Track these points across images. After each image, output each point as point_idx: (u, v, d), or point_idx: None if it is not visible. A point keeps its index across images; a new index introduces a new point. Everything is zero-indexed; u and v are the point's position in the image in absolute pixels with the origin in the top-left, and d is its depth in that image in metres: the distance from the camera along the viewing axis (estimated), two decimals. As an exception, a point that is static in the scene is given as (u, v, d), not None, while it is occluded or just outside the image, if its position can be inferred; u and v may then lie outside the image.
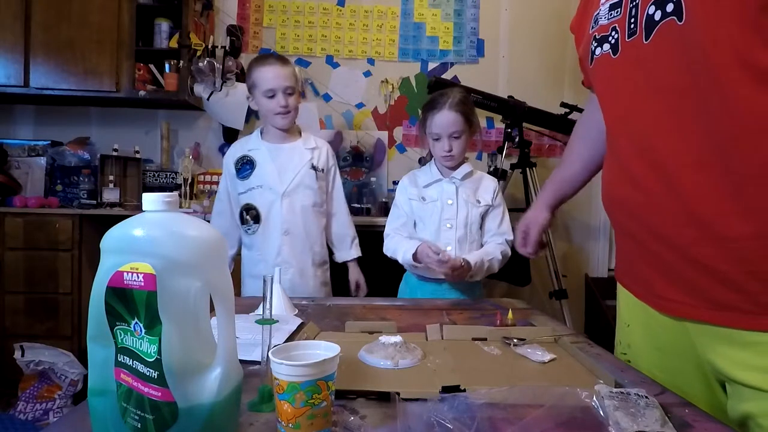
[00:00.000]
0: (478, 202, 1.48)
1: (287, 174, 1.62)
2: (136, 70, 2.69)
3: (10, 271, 2.42)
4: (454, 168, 1.51)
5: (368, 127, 3.08)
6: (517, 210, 2.96)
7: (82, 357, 2.24)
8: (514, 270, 2.72)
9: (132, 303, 0.50)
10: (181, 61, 2.72)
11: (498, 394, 0.68)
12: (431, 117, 1.45)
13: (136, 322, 0.50)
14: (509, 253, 1.47)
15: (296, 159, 1.64)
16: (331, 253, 1.78)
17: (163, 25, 2.74)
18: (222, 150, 3.09)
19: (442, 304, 1.27)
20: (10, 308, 2.43)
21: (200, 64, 2.72)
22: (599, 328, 2.80)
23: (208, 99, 2.82)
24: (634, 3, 0.72)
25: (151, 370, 0.50)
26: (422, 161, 2.69)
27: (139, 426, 0.50)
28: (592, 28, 0.82)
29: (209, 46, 2.80)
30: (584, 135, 1.06)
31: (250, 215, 1.62)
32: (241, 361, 0.58)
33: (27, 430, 1.92)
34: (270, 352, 0.58)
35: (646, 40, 0.69)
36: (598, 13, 0.80)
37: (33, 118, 3.01)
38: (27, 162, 2.79)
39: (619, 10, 0.76)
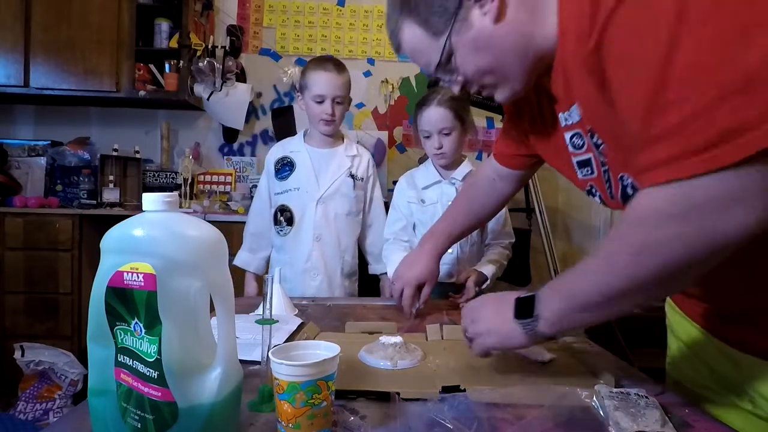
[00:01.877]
0: None
1: (325, 180, 1.60)
2: (136, 70, 2.69)
3: (10, 271, 2.42)
4: (452, 167, 1.49)
5: (368, 127, 3.08)
6: (517, 210, 2.97)
7: (82, 357, 2.24)
8: (514, 270, 2.72)
9: (132, 303, 0.50)
10: (181, 61, 2.72)
11: (498, 394, 0.67)
12: (420, 114, 1.43)
13: (136, 322, 0.50)
14: (511, 256, 1.46)
15: (335, 165, 1.62)
16: (362, 265, 1.74)
17: (163, 25, 2.74)
18: (222, 150, 3.09)
19: (442, 305, 1.27)
20: (10, 308, 2.43)
21: (200, 64, 2.72)
22: (599, 328, 2.80)
23: (208, 99, 2.82)
24: (605, 168, 0.70)
25: (151, 370, 0.50)
26: (422, 161, 2.69)
27: (139, 426, 0.50)
28: (578, 175, 0.78)
29: (209, 46, 2.80)
30: (476, 193, 1.12)
31: (284, 217, 1.61)
32: (241, 361, 0.58)
33: (27, 430, 1.92)
34: (270, 352, 0.58)
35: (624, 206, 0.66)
36: (572, 159, 0.77)
37: (33, 118, 3.02)
38: (27, 162, 2.79)
39: (590, 168, 0.74)
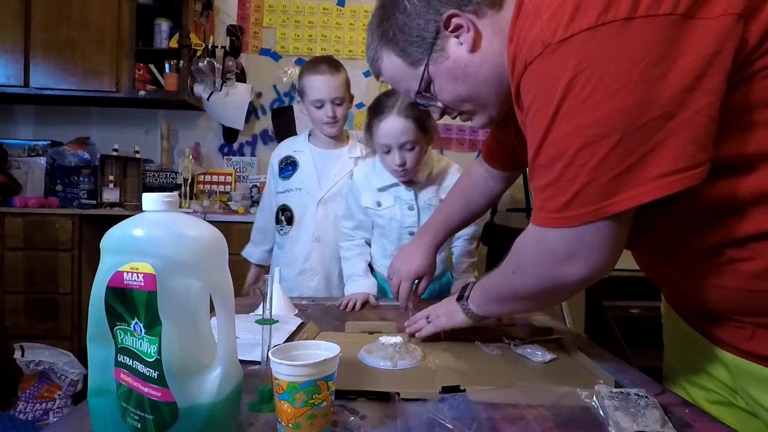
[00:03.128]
0: (441, 200, 1.26)
1: (327, 181, 1.58)
2: (136, 70, 2.69)
3: (10, 271, 2.43)
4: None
5: (368, 127, 3.08)
6: (517, 210, 2.97)
7: (82, 357, 2.24)
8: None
9: (132, 303, 0.50)
10: (181, 61, 2.72)
11: (498, 394, 0.68)
12: (377, 124, 1.22)
13: (136, 322, 0.50)
14: (477, 243, 1.42)
15: (338, 167, 1.60)
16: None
17: (163, 25, 2.74)
18: (222, 150, 3.09)
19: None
20: (10, 308, 2.43)
21: (200, 64, 2.72)
22: (599, 328, 2.80)
23: (208, 99, 2.82)
24: None
25: (151, 370, 0.50)
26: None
27: (139, 426, 0.50)
28: None
29: (209, 46, 2.80)
30: (470, 188, 1.14)
31: (284, 216, 1.61)
32: (241, 361, 0.58)
33: (27, 430, 1.92)
34: (270, 352, 0.58)
35: None
36: None
37: (33, 118, 3.02)
38: (27, 162, 2.79)
39: None
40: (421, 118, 1.21)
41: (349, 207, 1.45)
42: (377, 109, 1.23)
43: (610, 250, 0.58)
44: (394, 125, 1.20)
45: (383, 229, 1.38)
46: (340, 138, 1.64)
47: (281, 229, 1.63)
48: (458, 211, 1.15)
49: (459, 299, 0.86)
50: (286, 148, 1.67)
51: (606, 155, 0.52)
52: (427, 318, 0.92)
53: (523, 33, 0.56)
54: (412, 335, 0.94)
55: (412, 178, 1.31)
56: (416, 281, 1.13)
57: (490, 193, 1.12)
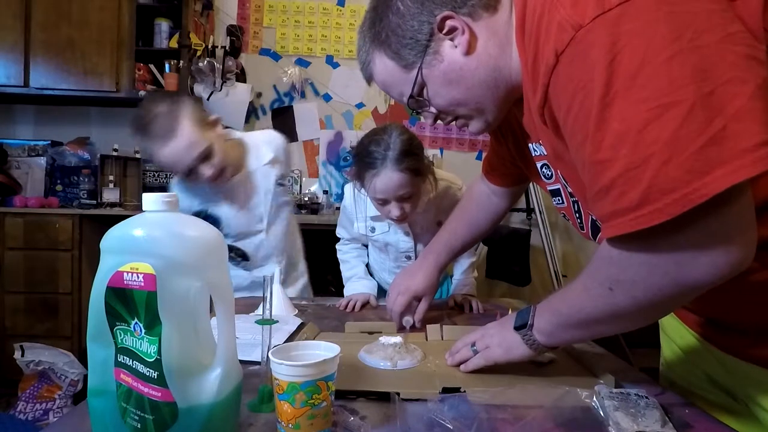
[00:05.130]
0: (439, 223, 1.20)
1: (257, 210, 1.37)
2: (136, 70, 2.69)
3: (10, 271, 2.43)
4: None
5: (368, 127, 3.06)
6: (517, 210, 2.97)
7: (82, 357, 2.24)
8: (514, 270, 2.72)
9: (132, 303, 0.50)
10: (181, 61, 2.72)
11: (498, 394, 0.67)
12: (370, 180, 1.14)
13: (136, 323, 0.50)
14: (479, 243, 1.40)
15: (260, 188, 1.37)
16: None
17: (163, 25, 2.74)
18: (222, 150, 3.09)
19: (442, 305, 1.27)
20: (10, 308, 2.43)
21: (200, 64, 2.72)
22: (599, 328, 2.80)
23: (208, 99, 2.82)
24: (574, 199, 0.70)
25: (151, 371, 0.50)
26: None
27: (138, 426, 0.50)
28: (553, 202, 0.79)
29: (209, 46, 2.80)
30: (473, 207, 1.11)
31: (236, 253, 1.39)
32: (241, 361, 0.58)
33: (27, 430, 1.92)
34: (270, 352, 0.58)
35: (594, 240, 0.68)
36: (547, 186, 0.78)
37: (33, 118, 3.02)
38: (27, 162, 2.79)
39: (560, 198, 0.74)
40: (415, 164, 1.14)
41: (342, 221, 1.39)
42: (369, 164, 1.13)
43: (728, 239, 0.48)
44: (390, 181, 1.12)
45: (378, 252, 1.37)
46: (238, 162, 1.36)
47: (238, 264, 1.42)
48: (462, 232, 1.11)
49: (518, 328, 0.73)
50: (188, 203, 1.42)
51: (680, 125, 0.44)
52: (473, 346, 0.78)
53: (543, 25, 0.53)
54: (457, 364, 0.80)
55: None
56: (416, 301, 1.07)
57: (494, 211, 1.09)
